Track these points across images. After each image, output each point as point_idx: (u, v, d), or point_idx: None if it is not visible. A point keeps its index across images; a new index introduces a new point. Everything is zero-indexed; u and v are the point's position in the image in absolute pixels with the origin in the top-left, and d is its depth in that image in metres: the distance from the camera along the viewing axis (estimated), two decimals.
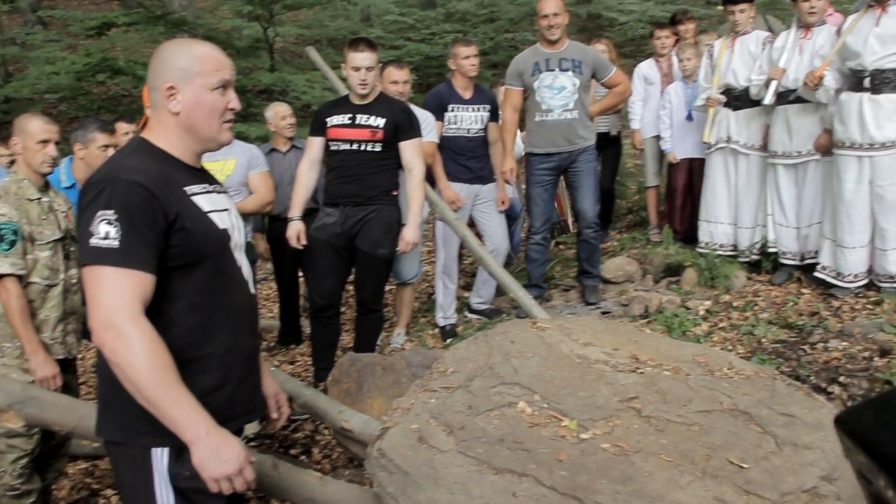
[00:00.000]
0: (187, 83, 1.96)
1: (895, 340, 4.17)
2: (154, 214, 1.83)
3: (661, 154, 6.58)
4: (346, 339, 5.37)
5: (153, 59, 2.01)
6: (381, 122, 4.45)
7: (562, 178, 5.51)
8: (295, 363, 5.66)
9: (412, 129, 4.54)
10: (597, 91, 6.02)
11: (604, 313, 5.15)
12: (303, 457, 4.26)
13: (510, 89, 5.31)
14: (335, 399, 3.63)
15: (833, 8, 5.43)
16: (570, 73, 5.11)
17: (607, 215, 6.97)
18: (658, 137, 6.47)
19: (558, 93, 5.12)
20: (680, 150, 6.23)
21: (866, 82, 4.67)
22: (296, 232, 4.53)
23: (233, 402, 2.03)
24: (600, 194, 5.62)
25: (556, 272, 6.19)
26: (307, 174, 4.63)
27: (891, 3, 4.63)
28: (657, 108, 6.42)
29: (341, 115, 4.52)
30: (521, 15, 13.31)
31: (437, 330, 5.54)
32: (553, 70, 5.12)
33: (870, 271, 4.87)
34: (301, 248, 4.57)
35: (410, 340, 5.51)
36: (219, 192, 2.12)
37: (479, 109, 5.42)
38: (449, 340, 5.20)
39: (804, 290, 5.14)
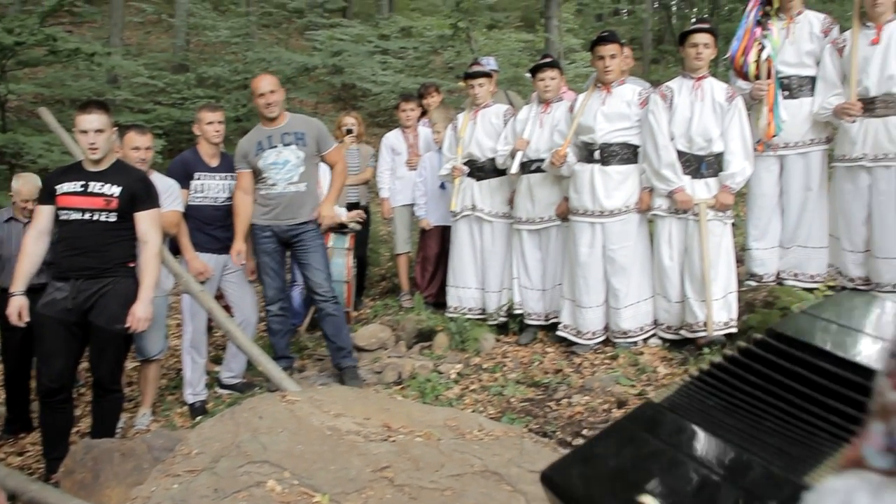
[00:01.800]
0: None
1: (630, 392, 4.48)
2: None
3: (412, 221, 6.72)
4: (88, 423, 4.92)
5: None
6: (116, 190, 4.19)
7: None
8: (25, 454, 5.09)
9: (149, 200, 4.32)
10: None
11: None
12: None
13: (240, 172, 5.20)
14: (67, 492, 3.33)
15: (567, 86, 5.88)
16: (293, 146, 5.08)
17: (360, 283, 6.99)
18: (407, 206, 6.63)
19: (283, 167, 5.08)
20: (433, 217, 6.41)
21: (596, 155, 5.07)
22: (17, 308, 4.11)
23: None
24: (355, 262, 5.58)
25: (309, 343, 6.09)
26: (34, 245, 4.24)
27: (614, 85, 5.10)
28: (406, 177, 6.59)
29: (73, 183, 4.20)
30: None
31: (185, 408, 5.22)
32: (276, 146, 5.08)
33: (606, 328, 5.23)
34: (24, 325, 4.16)
35: (157, 420, 5.15)
36: None
37: (225, 178, 5.25)
38: (199, 418, 4.91)
39: (549, 349, 5.41)
